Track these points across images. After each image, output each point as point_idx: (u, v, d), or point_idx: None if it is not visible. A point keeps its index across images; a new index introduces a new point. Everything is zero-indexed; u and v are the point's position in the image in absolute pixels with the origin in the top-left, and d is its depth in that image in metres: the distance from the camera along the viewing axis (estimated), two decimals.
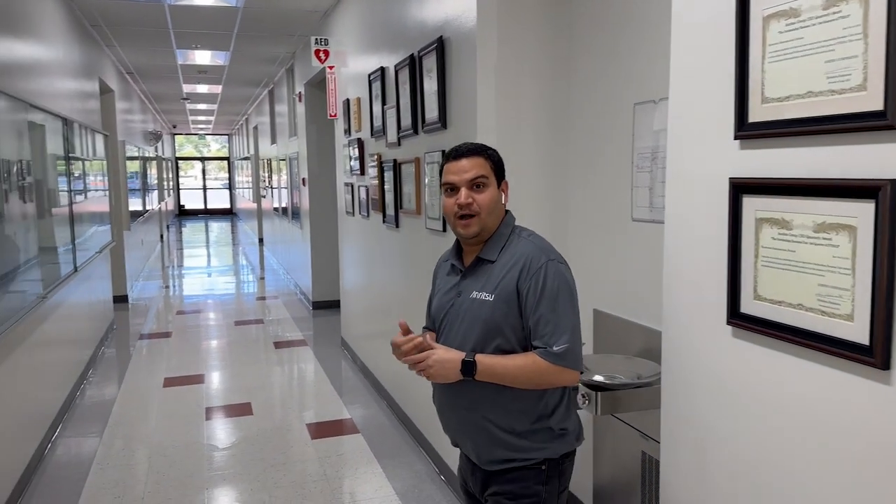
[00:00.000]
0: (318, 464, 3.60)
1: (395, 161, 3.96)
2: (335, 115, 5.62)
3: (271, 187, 11.40)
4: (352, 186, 5.27)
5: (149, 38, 6.94)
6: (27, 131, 3.63)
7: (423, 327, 1.95)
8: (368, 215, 4.78)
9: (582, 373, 1.72)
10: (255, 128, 13.64)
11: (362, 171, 4.89)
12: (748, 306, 1.48)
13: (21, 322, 3.23)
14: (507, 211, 1.81)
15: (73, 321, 4.86)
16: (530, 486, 1.70)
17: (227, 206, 24.33)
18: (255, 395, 4.70)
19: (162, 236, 15.45)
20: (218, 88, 11.06)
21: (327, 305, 7.50)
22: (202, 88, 11.14)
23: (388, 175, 4.14)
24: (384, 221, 4.30)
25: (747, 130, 1.45)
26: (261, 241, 14.50)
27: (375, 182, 4.46)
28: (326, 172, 7.20)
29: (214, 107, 14.08)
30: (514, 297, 1.65)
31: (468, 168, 1.70)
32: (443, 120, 3.10)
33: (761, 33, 1.41)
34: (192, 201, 24.48)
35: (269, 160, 11.50)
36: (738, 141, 1.48)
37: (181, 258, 13.04)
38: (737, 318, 1.51)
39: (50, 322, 4.07)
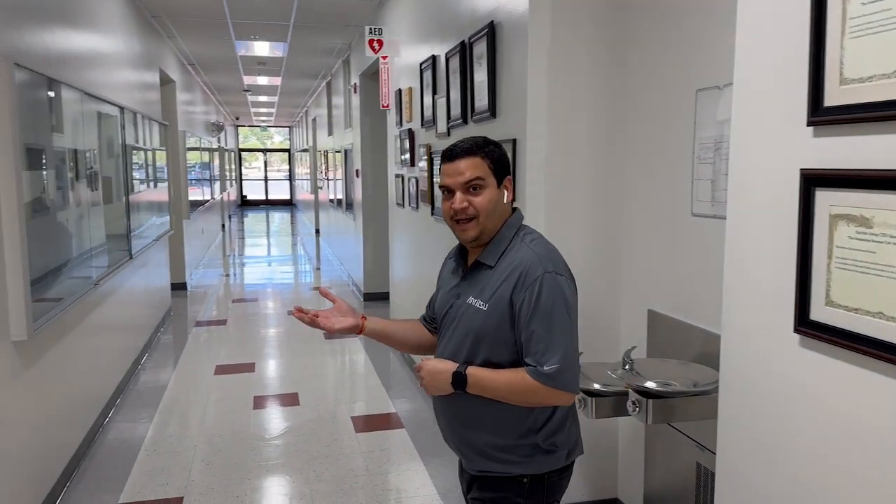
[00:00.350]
0: (361, 458, 3.56)
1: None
2: (388, 106, 5.56)
3: (327, 179, 11.50)
4: (402, 178, 5.21)
5: (208, 29, 7.04)
6: (92, 122, 3.70)
7: (421, 316, 1.91)
8: (418, 207, 4.71)
9: (577, 394, 1.64)
10: (314, 120, 13.77)
11: (412, 163, 4.81)
12: (819, 313, 1.32)
13: (76, 306, 3.29)
14: (514, 209, 1.70)
15: (129, 307, 4.97)
16: (510, 497, 1.64)
17: (287, 196, 24.76)
18: (302, 386, 4.70)
19: (224, 226, 15.81)
20: (277, 80, 11.19)
21: (378, 297, 7.49)
22: (262, 80, 11.29)
23: (438, 166, 4.04)
24: (433, 213, 4.22)
25: (822, 116, 1.29)
26: (317, 231, 14.67)
27: (425, 173, 4.38)
28: (379, 164, 7.19)
29: (275, 99, 14.28)
30: (507, 309, 1.56)
31: (463, 170, 1.59)
32: (492, 109, 2.99)
33: (841, 4, 1.25)
34: (254, 192, 25.02)
35: (326, 152, 11.60)
36: (811, 128, 1.32)
37: (241, 247, 13.30)
38: (805, 325, 1.35)
39: (106, 307, 4.15)
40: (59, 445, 3.16)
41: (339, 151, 9.55)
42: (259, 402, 4.41)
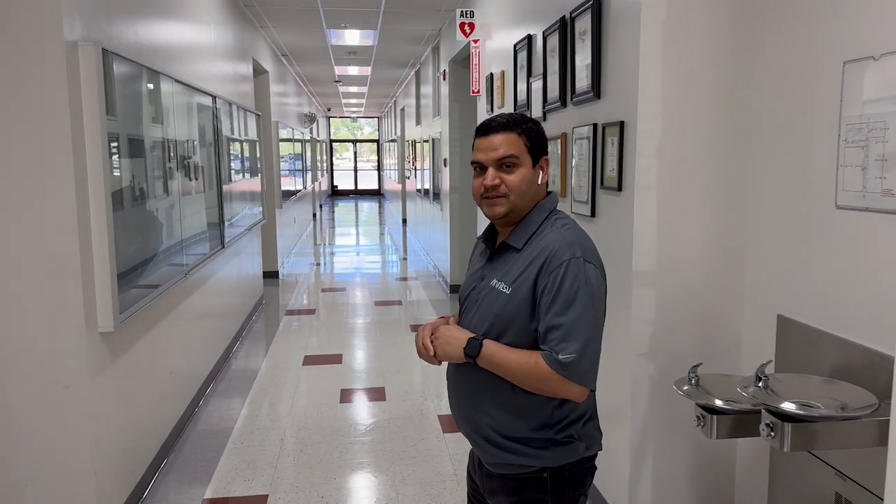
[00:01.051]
0: (448, 461, 3.39)
1: None
2: (478, 92, 5.36)
3: (415, 168, 11.44)
4: None
5: (299, 18, 7.05)
6: (186, 112, 3.71)
7: None
8: None
9: (592, 391, 1.53)
10: (402, 110, 13.77)
11: None
12: None
13: (166, 295, 3.28)
14: (549, 192, 1.62)
15: (222, 295, 5.01)
16: (534, 496, 1.55)
17: (376, 186, 25.06)
18: (389, 380, 4.59)
19: (315, 215, 16.11)
20: (367, 70, 11.20)
21: None
22: (353, 70, 11.34)
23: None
24: None
25: None
26: (404, 221, 14.70)
27: None
28: (468, 152, 6.95)
29: (364, 89, 14.38)
30: (530, 293, 1.49)
31: (497, 145, 1.52)
32: (596, 89, 2.73)
33: None
34: (344, 182, 25.47)
35: (414, 141, 11.54)
36: None
37: (331, 236, 13.49)
38: None
39: (198, 296, 4.17)
40: (147, 436, 3.17)
41: (426, 141, 9.44)
42: (346, 396, 4.34)
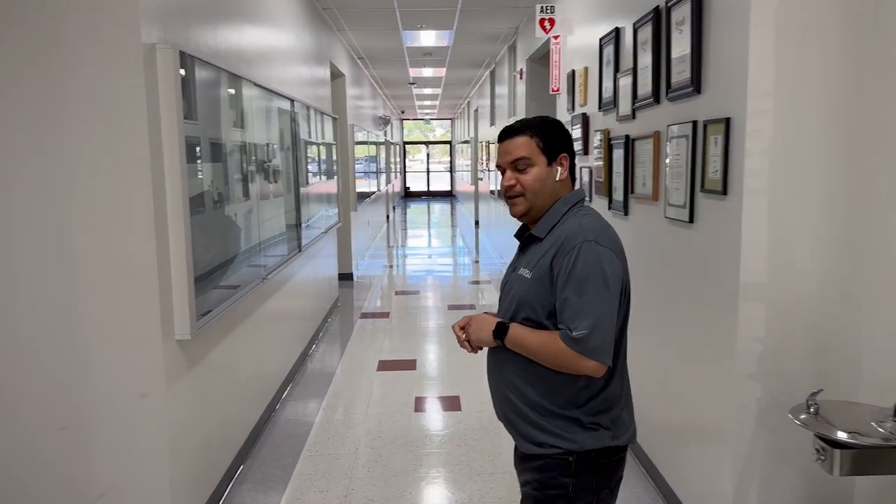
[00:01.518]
0: None
1: (626, 137, 3.41)
2: (558, 90, 5.16)
3: (488, 170, 11.29)
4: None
5: (376, 20, 7.01)
6: (264, 115, 3.69)
7: None
8: (591, 199, 4.27)
9: (609, 367, 1.60)
10: (476, 111, 13.64)
11: (585, 151, 4.38)
12: None
13: (244, 300, 3.25)
14: (574, 188, 1.75)
15: (298, 298, 5.00)
16: (556, 476, 1.65)
17: (448, 188, 25.04)
18: (464, 389, 4.45)
19: (388, 217, 16.19)
20: (442, 71, 11.14)
21: None
22: (427, 72, 11.29)
23: (618, 154, 3.59)
24: (610, 208, 3.77)
25: None
26: (476, 223, 14.55)
27: (601, 163, 3.93)
28: None
29: (438, 91, 14.33)
30: (547, 275, 1.61)
31: (512, 149, 1.68)
32: (696, 83, 2.50)
33: None
34: (416, 184, 25.57)
35: (488, 142, 11.39)
36: None
37: (404, 238, 13.49)
38: None
39: (276, 299, 4.16)
40: (223, 443, 3.13)
41: None
42: (420, 404, 4.22)
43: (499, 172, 1.73)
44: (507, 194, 1.70)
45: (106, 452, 2.38)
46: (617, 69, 3.58)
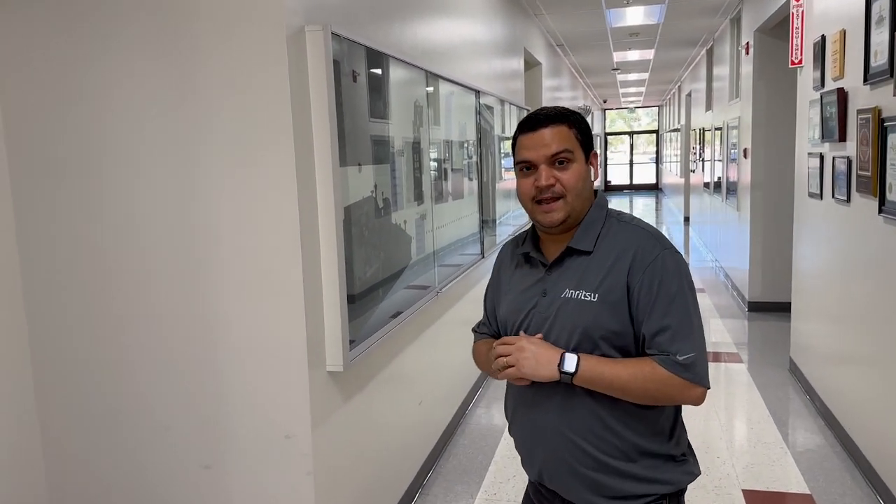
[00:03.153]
0: None
1: None
2: (800, 62, 4.20)
3: (702, 160, 10.12)
4: (820, 158, 3.83)
5: (577, 0, 6.42)
6: (447, 110, 3.32)
7: (474, 330, 1.67)
8: (849, 199, 3.34)
9: (708, 388, 1.35)
10: (688, 95, 12.42)
11: (841, 137, 3.44)
12: None
13: (417, 315, 2.89)
14: (596, 190, 1.46)
15: (481, 308, 4.59)
16: None
17: (653, 181, 23.51)
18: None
19: None
20: (650, 53, 10.20)
21: (770, 308, 6.05)
22: (633, 55, 10.42)
23: (895, 139, 2.69)
24: (881, 212, 2.86)
25: None
26: (686, 220, 13.26)
27: (867, 151, 3.02)
28: (777, 141, 5.78)
29: (645, 76, 13.31)
30: (623, 296, 1.34)
31: (549, 140, 1.38)
32: None
33: None
34: (617, 177, 24.34)
35: (702, 130, 10.21)
36: None
37: None
38: None
39: (455, 310, 3.77)
40: (388, 482, 2.76)
41: (719, 128, 8.18)
42: None
43: (522, 171, 1.42)
44: (539, 197, 1.39)
45: (247, 500, 2.09)
46: (895, 26, 2.67)
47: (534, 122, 1.40)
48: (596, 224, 1.42)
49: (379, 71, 2.49)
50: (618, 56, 10.33)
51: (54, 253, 2.09)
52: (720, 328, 5.76)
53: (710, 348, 5.18)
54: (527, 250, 1.49)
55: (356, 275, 2.24)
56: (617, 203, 19.42)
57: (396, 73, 2.67)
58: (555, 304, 1.40)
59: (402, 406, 2.93)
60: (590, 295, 1.36)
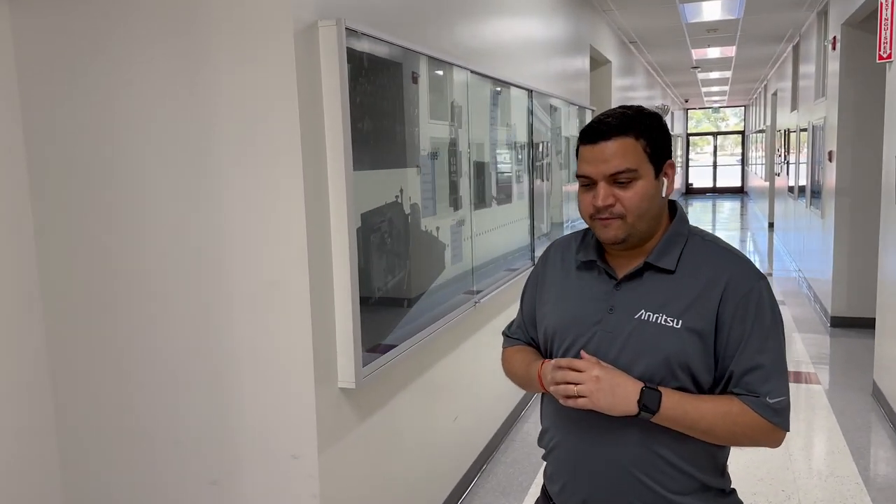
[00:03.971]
0: None
1: None
2: (888, 57, 3.81)
3: (787, 163, 9.52)
4: None
5: None
6: (481, 108, 3.16)
7: (505, 334, 1.56)
8: None
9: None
10: (774, 94, 11.75)
11: None
12: None
13: (450, 328, 2.75)
14: (671, 201, 1.34)
15: None
16: None
17: (738, 184, 22.45)
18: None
19: None
20: (731, 51, 9.68)
21: (855, 323, 5.57)
22: (713, 53, 9.91)
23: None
24: None
25: None
26: (770, 225, 12.53)
27: None
28: (867, 142, 5.32)
29: (727, 74, 12.68)
30: (711, 327, 1.23)
31: (609, 156, 1.24)
32: None
33: None
34: (700, 179, 23.38)
35: (787, 131, 9.61)
36: None
37: None
38: None
39: (497, 321, 3.61)
40: (419, 501, 2.64)
41: (803, 129, 7.65)
42: None
43: (582, 185, 1.29)
44: (598, 215, 1.26)
45: None
46: None
47: (595, 132, 1.26)
48: (678, 240, 1.30)
49: (404, 62, 2.37)
50: (697, 53, 9.86)
51: (70, 265, 2.05)
52: (799, 344, 5.34)
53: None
54: (591, 258, 1.35)
55: (375, 284, 2.12)
56: (698, 207, 18.66)
57: (430, 72, 2.54)
58: (628, 324, 1.27)
59: (434, 422, 2.80)
60: (672, 321, 1.24)
